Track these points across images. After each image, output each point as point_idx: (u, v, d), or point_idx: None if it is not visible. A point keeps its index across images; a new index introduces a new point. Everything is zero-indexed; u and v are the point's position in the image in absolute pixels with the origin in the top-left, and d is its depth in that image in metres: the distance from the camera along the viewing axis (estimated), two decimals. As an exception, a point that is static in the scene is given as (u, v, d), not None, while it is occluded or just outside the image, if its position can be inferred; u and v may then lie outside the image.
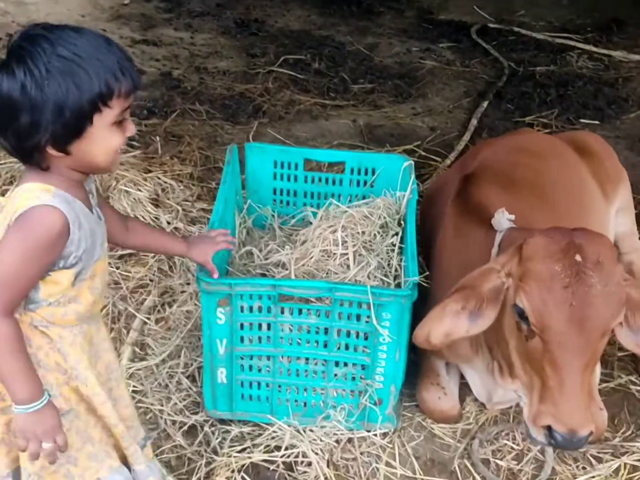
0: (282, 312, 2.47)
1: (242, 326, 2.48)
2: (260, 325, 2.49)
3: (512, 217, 2.37)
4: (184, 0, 6.62)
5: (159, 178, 3.78)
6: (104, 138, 1.72)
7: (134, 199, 3.59)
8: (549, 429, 2.05)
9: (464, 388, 2.79)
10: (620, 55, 5.76)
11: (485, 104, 4.95)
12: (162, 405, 2.69)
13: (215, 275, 2.34)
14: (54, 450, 1.77)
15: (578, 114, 4.89)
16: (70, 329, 1.83)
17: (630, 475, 2.52)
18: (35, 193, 1.70)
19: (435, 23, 6.45)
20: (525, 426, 2.18)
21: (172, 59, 5.54)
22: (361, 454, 2.55)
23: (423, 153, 4.37)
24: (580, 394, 2.02)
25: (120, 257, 3.35)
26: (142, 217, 3.48)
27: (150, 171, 3.85)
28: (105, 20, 6.13)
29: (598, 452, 2.59)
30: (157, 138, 4.28)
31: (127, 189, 3.63)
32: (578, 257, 2.04)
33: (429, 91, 5.26)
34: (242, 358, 2.55)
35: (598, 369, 2.78)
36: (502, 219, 2.37)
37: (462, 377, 2.80)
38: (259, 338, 2.52)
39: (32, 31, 1.69)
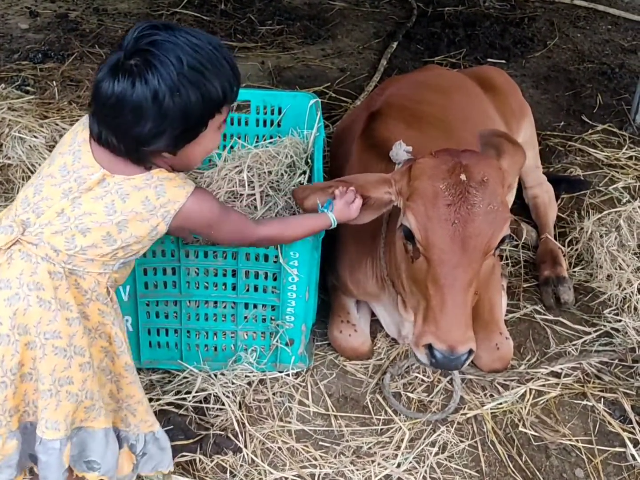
0: (187, 256, 2.39)
1: (145, 271, 2.40)
2: (164, 270, 2.42)
3: (410, 148, 2.35)
4: (80, -62, 6.26)
5: (56, 124, 3.59)
6: (209, 140, 1.83)
7: (30, 146, 3.40)
8: (430, 348, 2.05)
9: (375, 325, 2.81)
10: (526, -5, 5.80)
11: (394, 44, 4.92)
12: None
13: None
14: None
15: (485, 54, 4.92)
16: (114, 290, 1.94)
17: (535, 400, 2.59)
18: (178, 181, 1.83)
19: (344, -37, 6.33)
20: (412, 350, 2.19)
21: (68, 0, 5.24)
22: (274, 394, 2.54)
23: (333, 94, 4.32)
24: (460, 312, 2.03)
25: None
26: (38, 164, 3.31)
27: (46, 117, 3.65)
28: (-5, -40, 5.73)
29: (505, 380, 2.66)
30: (54, 83, 4.07)
31: (21, 135, 3.44)
32: (463, 177, 2.06)
33: (338, 32, 5.19)
34: (147, 304, 2.47)
35: (504, 299, 2.86)
36: (400, 151, 2.35)
37: (373, 314, 2.81)
38: (164, 283, 2.45)
39: (153, 35, 1.68)
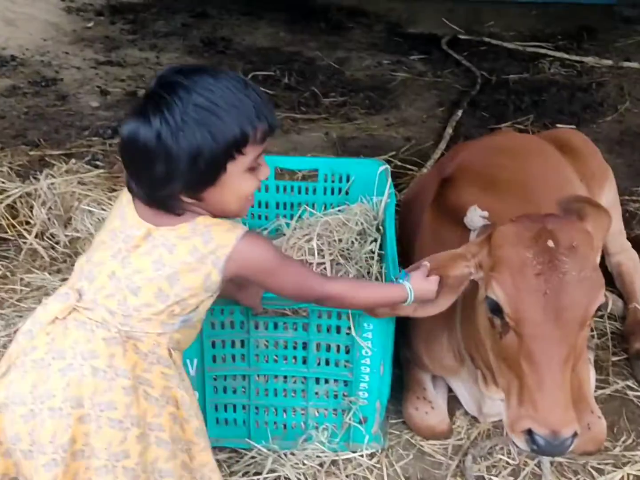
0: (257, 327, 2.30)
1: (213, 344, 2.31)
2: (233, 343, 2.32)
3: (486, 213, 2.22)
4: (149, 21, 6.54)
5: (124, 197, 3.60)
6: (236, 185, 1.72)
7: (98, 219, 3.41)
8: (529, 433, 1.86)
9: (454, 401, 2.63)
10: (593, 61, 5.70)
11: (460, 112, 4.86)
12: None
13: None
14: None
15: (554, 119, 4.81)
16: (181, 354, 1.87)
17: (635, 486, 2.37)
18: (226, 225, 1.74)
19: (405, 36, 6.39)
20: (507, 435, 1.99)
21: (137, 79, 5.40)
22: (347, 476, 2.37)
23: (399, 163, 4.25)
24: (560, 391, 1.84)
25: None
26: (107, 236, 3.30)
27: (114, 190, 3.68)
28: (68, 43, 6.00)
29: (599, 463, 2.43)
30: (123, 157, 4.11)
31: (90, 208, 3.45)
32: (550, 243, 1.91)
33: (401, 102, 5.17)
34: (215, 379, 2.36)
35: (593, 375, 2.65)
36: (475, 217, 2.21)
37: (451, 389, 2.64)
38: (233, 356, 2.35)
39: (169, 77, 1.67)
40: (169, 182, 1.67)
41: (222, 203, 1.75)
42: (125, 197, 1.80)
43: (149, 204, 1.73)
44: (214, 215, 1.80)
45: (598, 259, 2.65)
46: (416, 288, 2.01)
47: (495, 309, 1.97)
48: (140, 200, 1.74)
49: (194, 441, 1.83)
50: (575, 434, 1.84)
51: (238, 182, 1.72)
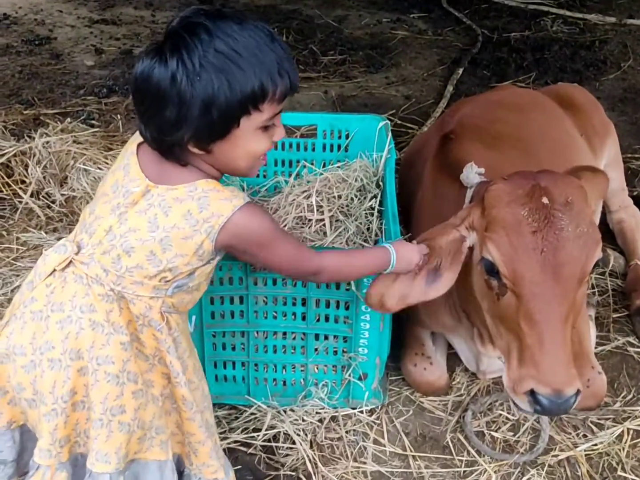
0: (256, 283, 2.27)
1: (212, 300, 2.29)
2: (232, 299, 2.30)
3: (482, 170, 2.15)
4: (144, -21, 6.40)
5: (120, 156, 3.55)
6: (248, 142, 1.65)
7: (94, 177, 3.37)
8: (532, 393, 1.83)
9: (454, 358, 2.62)
10: (596, 18, 5.62)
11: (460, 70, 4.79)
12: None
13: None
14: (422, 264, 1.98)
15: (556, 77, 4.74)
16: (182, 315, 1.81)
17: (635, 441, 2.36)
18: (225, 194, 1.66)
19: (404, -6, 6.28)
20: (509, 396, 1.94)
21: (132, 37, 5.31)
22: (347, 432, 2.37)
23: (399, 121, 4.19)
24: (561, 350, 1.81)
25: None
26: (103, 195, 3.27)
27: (110, 149, 3.64)
28: (62, 2, 5.91)
29: (599, 419, 2.43)
30: (118, 116, 4.07)
31: (86, 167, 3.41)
32: (545, 200, 1.86)
33: (402, 60, 5.10)
34: (213, 336, 2.35)
35: (593, 331, 2.64)
36: (471, 174, 2.15)
37: (451, 346, 2.63)
38: (232, 313, 2.33)
39: (193, 18, 1.59)
40: (178, 128, 1.59)
41: (230, 159, 1.69)
42: (130, 147, 1.75)
43: (155, 149, 1.67)
44: (221, 172, 1.75)
45: (597, 221, 2.61)
46: (398, 251, 1.93)
47: (491, 270, 1.92)
48: (147, 143, 1.68)
49: (181, 407, 1.80)
50: (578, 392, 1.81)
51: (250, 139, 1.65)
